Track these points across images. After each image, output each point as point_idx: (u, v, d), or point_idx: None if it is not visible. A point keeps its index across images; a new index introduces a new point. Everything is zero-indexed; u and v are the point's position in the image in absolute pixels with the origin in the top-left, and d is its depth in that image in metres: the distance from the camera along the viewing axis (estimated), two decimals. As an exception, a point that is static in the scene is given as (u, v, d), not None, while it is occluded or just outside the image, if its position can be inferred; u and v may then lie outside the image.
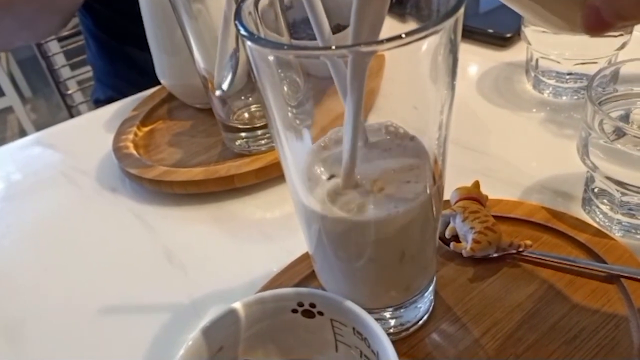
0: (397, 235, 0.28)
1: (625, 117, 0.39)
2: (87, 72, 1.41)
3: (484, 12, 0.68)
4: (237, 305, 0.29)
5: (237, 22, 0.23)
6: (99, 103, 0.94)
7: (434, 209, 0.29)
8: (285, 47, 0.20)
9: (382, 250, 0.28)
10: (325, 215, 0.27)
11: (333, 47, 0.20)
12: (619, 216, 0.38)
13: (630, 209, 0.37)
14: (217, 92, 0.49)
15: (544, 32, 0.51)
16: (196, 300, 0.40)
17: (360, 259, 0.29)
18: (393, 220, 0.26)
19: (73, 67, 1.43)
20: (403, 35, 0.20)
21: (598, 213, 0.40)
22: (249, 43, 0.22)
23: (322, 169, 0.28)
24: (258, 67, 0.23)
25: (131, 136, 0.55)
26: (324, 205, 0.27)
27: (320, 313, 0.29)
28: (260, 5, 0.27)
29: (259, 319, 0.30)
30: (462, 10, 0.22)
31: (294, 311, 0.30)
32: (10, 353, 0.39)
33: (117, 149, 0.53)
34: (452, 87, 0.26)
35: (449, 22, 0.22)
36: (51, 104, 2.40)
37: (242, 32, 0.22)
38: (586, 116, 0.37)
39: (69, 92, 1.25)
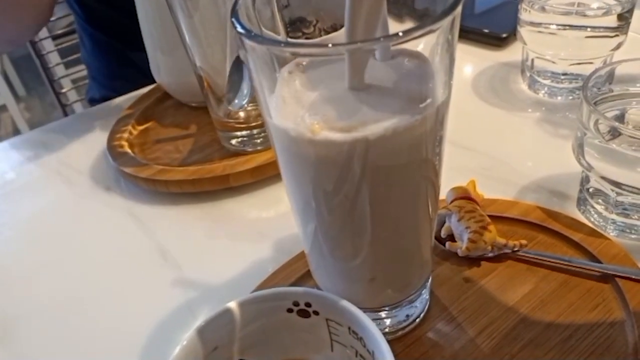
0: (394, 173, 0.25)
1: (621, 117, 0.40)
2: (81, 70, 1.40)
3: (479, 13, 0.68)
4: (232, 304, 0.29)
5: (233, 19, 0.23)
6: (93, 102, 0.93)
7: (434, 157, 0.27)
8: (282, 44, 0.20)
9: (379, 220, 0.27)
10: (313, 150, 0.24)
11: (330, 45, 0.20)
12: (613, 216, 0.38)
13: (625, 209, 0.38)
14: (232, 106, 0.49)
15: (539, 32, 0.51)
16: (191, 299, 0.40)
17: (357, 253, 0.29)
18: (390, 140, 0.23)
19: (67, 65, 1.42)
20: (400, 34, 0.20)
21: (593, 213, 0.40)
22: (246, 40, 0.21)
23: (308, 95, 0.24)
24: (255, 65, 0.23)
25: (126, 135, 0.54)
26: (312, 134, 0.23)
27: (316, 312, 0.29)
28: (257, 3, 0.27)
29: (254, 318, 0.29)
30: (459, 9, 0.22)
31: (290, 310, 0.29)
32: (3, 351, 0.38)
33: (112, 148, 0.53)
34: (449, 87, 0.26)
35: (446, 21, 0.22)
36: (45, 102, 2.39)
37: (239, 29, 0.22)
38: (582, 116, 0.37)
39: (63, 90, 1.25)
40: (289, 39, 0.22)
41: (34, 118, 2.32)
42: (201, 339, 0.28)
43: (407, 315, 0.33)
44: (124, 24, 0.76)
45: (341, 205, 0.27)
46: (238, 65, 0.47)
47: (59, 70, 1.34)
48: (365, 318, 0.27)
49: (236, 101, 0.48)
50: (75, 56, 1.26)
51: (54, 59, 1.33)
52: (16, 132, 2.22)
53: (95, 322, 0.40)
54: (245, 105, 0.49)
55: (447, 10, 0.22)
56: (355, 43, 0.21)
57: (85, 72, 1.12)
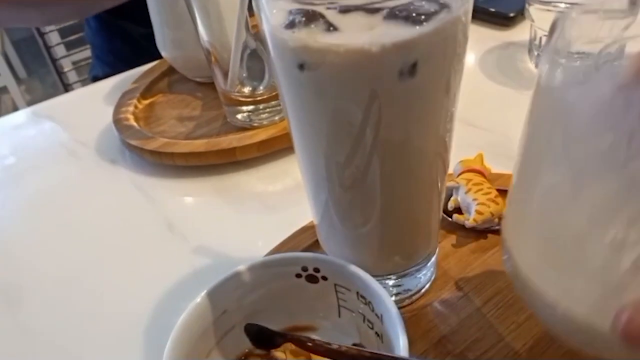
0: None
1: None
2: (81, 50, 1.40)
3: (487, -7, 0.67)
4: (242, 268, 0.29)
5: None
6: (97, 80, 0.93)
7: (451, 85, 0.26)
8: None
9: (388, 191, 0.27)
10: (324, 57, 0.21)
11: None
12: None
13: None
14: (246, 90, 0.50)
15: (548, 10, 0.51)
16: (198, 271, 0.40)
17: (366, 222, 0.29)
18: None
19: (68, 46, 1.41)
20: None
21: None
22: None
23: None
24: (269, 23, 0.23)
25: (131, 108, 0.54)
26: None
27: (324, 278, 0.29)
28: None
29: (263, 283, 0.30)
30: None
31: (298, 276, 0.30)
32: (12, 319, 0.38)
33: (117, 121, 0.53)
34: (462, 64, 0.26)
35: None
36: (46, 84, 2.38)
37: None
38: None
39: (65, 70, 1.24)
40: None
41: (34, 100, 2.31)
42: (210, 302, 0.28)
43: (414, 285, 0.33)
44: (129, 2, 0.75)
45: (352, 176, 0.27)
46: (252, 53, 0.47)
47: (60, 51, 1.33)
48: (373, 282, 0.27)
49: (261, 87, 0.50)
50: (76, 36, 1.25)
51: (54, 38, 1.32)
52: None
53: (103, 293, 0.40)
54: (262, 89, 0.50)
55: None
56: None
57: (86, 54, 1.12)
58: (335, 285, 0.29)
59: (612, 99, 0.17)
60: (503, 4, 0.62)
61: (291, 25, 0.22)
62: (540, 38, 0.53)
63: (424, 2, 0.21)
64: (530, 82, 0.54)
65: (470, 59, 0.58)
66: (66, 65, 1.35)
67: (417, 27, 0.21)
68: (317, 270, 0.29)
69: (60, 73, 1.21)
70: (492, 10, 0.62)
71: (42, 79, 2.41)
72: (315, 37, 0.21)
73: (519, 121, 0.53)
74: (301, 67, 0.22)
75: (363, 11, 0.21)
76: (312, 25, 0.22)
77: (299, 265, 0.29)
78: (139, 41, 0.85)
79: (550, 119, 0.20)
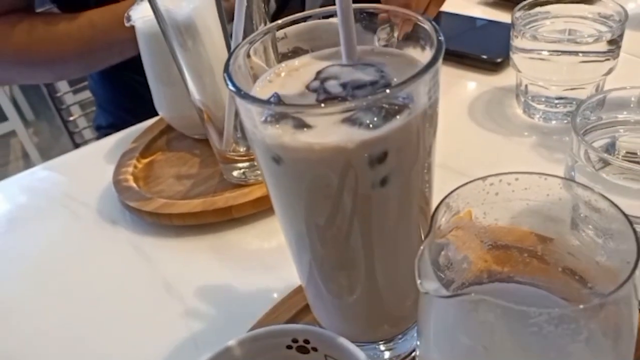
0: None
1: (612, 145, 0.40)
2: (90, 95, 1.42)
3: (473, 37, 0.69)
4: (232, 343, 0.30)
5: (225, 74, 0.24)
6: (100, 129, 0.96)
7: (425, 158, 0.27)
8: (272, 104, 0.21)
9: (370, 253, 0.28)
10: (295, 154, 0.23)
11: (322, 105, 0.21)
12: (601, 241, 0.39)
13: (612, 235, 0.38)
14: (241, 149, 0.51)
15: (531, 58, 0.52)
16: (195, 332, 0.41)
17: (352, 287, 0.30)
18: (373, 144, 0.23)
19: (76, 91, 1.44)
20: (387, 91, 0.21)
21: (585, 237, 0.40)
22: (237, 99, 0.23)
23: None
24: (246, 113, 0.24)
25: (131, 169, 0.56)
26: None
27: (315, 349, 0.30)
28: (251, 49, 0.29)
29: (254, 356, 0.30)
30: (439, 63, 0.23)
31: (289, 347, 0.30)
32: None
33: (117, 182, 0.54)
34: (434, 128, 0.27)
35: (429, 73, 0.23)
36: (54, 127, 2.42)
37: (231, 87, 0.23)
38: (572, 145, 0.38)
39: (71, 118, 1.27)
40: (279, 97, 0.23)
41: (42, 142, 2.36)
42: (203, 378, 0.29)
43: (406, 347, 0.34)
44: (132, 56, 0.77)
45: (334, 238, 0.28)
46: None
47: (68, 98, 1.36)
48: (362, 356, 0.28)
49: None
50: (83, 84, 1.28)
51: (62, 86, 1.36)
52: (25, 156, 2.26)
53: (100, 355, 0.40)
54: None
55: (430, 63, 0.23)
56: (344, 102, 0.22)
57: (91, 99, 1.14)
58: (325, 356, 0.30)
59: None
60: (490, 49, 0.63)
61: (266, 121, 0.23)
62: (526, 85, 0.54)
63: (392, 98, 0.22)
64: (519, 128, 0.55)
65: (459, 105, 0.59)
66: (74, 110, 1.38)
67: (387, 124, 0.22)
68: (307, 341, 0.30)
69: (65, 121, 1.24)
70: (480, 55, 0.63)
71: (50, 121, 2.46)
72: (290, 135, 0.22)
73: (508, 168, 0.54)
74: (277, 160, 0.24)
75: (335, 107, 0.23)
76: (286, 122, 0.23)
77: (289, 337, 0.30)
78: (141, 91, 0.87)
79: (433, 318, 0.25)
